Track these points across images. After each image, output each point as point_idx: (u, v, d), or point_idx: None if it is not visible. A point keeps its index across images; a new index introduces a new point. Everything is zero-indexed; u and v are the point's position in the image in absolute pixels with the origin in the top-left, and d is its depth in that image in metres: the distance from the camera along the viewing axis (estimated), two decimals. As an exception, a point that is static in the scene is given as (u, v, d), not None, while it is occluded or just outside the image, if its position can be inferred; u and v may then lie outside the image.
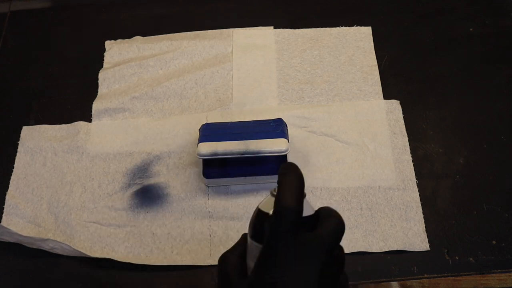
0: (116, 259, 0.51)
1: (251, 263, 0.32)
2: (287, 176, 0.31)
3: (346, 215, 0.53)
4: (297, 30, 0.67)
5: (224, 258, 0.34)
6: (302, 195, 0.31)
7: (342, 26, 0.67)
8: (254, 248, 0.32)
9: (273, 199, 0.31)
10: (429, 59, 0.64)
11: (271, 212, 0.32)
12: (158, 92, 0.62)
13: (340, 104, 0.60)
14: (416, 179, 0.55)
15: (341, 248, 0.33)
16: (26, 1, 0.73)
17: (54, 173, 0.57)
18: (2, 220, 0.54)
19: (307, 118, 0.59)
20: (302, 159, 0.56)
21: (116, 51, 0.66)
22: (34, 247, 0.52)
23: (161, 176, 0.56)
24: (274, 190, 0.32)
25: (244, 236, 0.35)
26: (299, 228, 0.30)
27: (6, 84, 0.65)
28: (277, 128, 0.53)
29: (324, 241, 0.30)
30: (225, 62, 0.64)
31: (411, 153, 0.57)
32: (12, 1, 0.72)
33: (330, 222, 0.31)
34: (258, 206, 0.33)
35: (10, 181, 0.57)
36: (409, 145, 0.57)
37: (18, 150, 0.59)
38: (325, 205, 0.53)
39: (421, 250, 0.51)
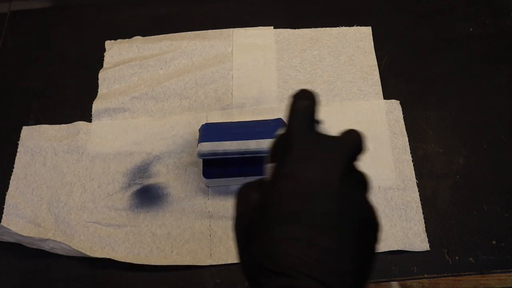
0: (116, 259, 0.51)
1: None
2: (300, 91, 0.34)
3: (346, 215, 0.53)
4: (297, 30, 0.67)
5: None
6: (316, 99, 0.33)
7: (342, 26, 0.67)
8: None
9: None
10: (429, 59, 0.64)
11: None
12: (158, 92, 0.62)
13: (340, 104, 0.60)
14: (416, 179, 0.55)
15: (364, 174, 0.32)
16: (26, 1, 0.72)
17: (54, 173, 0.57)
18: (2, 220, 0.54)
19: (307, 118, 0.59)
20: (302, 159, 0.56)
21: (116, 51, 0.66)
22: (34, 247, 0.51)
23: (161, 176, 0.56)
24: None
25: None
26: (317, 132, 0.32)
27: (6, 84, 0.65)
28: (277, 128, 0.53)
29: (344, 146, 0.30)
30: (225, 62, 0.64)
31: (411, 153, 0.57)
32: (12, 1, 0.72)
33: (350, 133, 0.32)
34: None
35: (10, 181, 0.57)
36: (409, 145, 0.57)
37: (18, 150, 0.59)
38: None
39: (421, 250, 0.51)
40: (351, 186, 0.29)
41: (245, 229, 0.30)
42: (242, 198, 0.31)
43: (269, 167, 0.32)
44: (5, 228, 0.50)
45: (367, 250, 0.29)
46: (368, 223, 0.30)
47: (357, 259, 0.28)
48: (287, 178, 0.29)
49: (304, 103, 0.33)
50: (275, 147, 0.33)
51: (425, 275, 0.50)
